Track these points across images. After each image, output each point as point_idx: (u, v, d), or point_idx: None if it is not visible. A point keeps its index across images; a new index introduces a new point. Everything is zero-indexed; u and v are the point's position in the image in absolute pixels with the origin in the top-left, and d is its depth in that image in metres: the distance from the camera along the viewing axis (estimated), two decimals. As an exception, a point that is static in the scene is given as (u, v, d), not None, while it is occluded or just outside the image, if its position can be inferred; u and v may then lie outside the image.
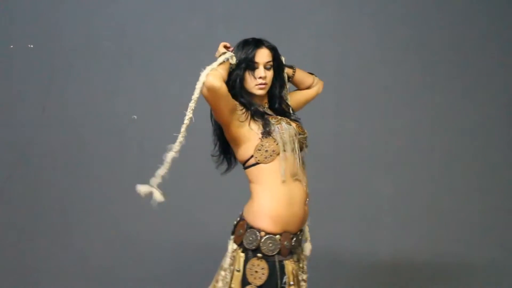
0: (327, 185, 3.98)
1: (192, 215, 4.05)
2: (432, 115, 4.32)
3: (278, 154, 2.37)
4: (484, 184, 4.34)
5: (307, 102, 2.71)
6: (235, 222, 2.47)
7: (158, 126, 4.19)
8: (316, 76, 2.69)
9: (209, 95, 2.29)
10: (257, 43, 2.46)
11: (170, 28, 4.18)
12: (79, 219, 4.20)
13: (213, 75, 2.28)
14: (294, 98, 2.67)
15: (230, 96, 2.34)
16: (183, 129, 2.40)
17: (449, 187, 4.31)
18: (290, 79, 2.63)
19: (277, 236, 2.36)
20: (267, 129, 2.37)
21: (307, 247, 2.59)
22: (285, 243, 2.37)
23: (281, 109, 2.55)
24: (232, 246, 2.44)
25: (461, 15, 4.31)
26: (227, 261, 2.43)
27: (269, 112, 2.49)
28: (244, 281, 2.37)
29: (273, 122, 2.40)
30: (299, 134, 2.46)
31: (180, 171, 4.16)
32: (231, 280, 2.40)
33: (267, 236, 2.36)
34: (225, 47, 2.48)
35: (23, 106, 4.19)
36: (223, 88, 2.29)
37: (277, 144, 2.37)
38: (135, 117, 4.18)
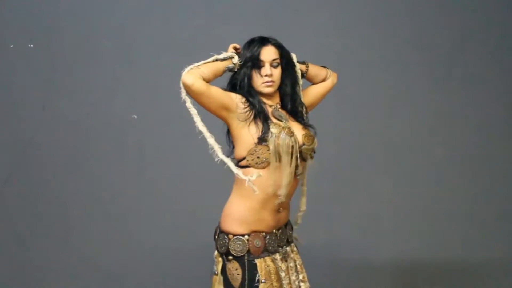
0: (327, 186, 3.98)
1: (193, 216, 4.05)
2: (432, 115, 4.31)
3: (274, 163, 2.37)
4: (485, 184, 4.33)
5: (324, 95, 2.69)
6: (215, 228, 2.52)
7: (158, 126, 4.19)
8: (328, 68, 2.69)
9: (188, 92, 2.32)
10: (263, 41, 2.45)
11: (170, 28, 4.17)
12: (79, 219, 4.19)
13: (188, 73, 2.30)
14: (311, 93, 2.66)
15: (213, 93, 2.33)
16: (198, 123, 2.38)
17: (450, 187, 4.30)
18: (304, 75, 2.61)
19: (245, 237, 2.39)
20: (264, 136, 2.36)
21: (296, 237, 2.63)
22: (255, 242, 2.39)
23: (295, 109, 2.52)
24: (215, 251, 2.50)
25: (462, 14, 4.31)
26: (214, 268, 2.48)
27: (277, 113, 2.46)
28: (227, 285, 2.41)
29: (273, 130, 2.37)
30: (303, 145, 2.44)
31: (181, 171, 4.20)
32: (212, 284, 2.46)
33: (235, 237, 2.40)
34: (235, 48, 2.48)
35: (23, 106, 4.18)
36: (197, 85, 2.29)
37: (270, 153, 2.36)
38: (135, 117, 4.17)
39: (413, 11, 4.29)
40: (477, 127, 4.33)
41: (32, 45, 4.16)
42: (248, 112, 2.38)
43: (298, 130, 2.46)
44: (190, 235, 4.11)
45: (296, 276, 2.50)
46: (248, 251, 2.39)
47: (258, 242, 2.39)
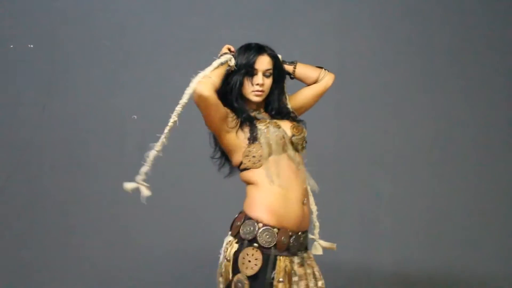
0: (326, 186, 3.97)
1: (193, 216, 4.05)
2: (432, 115, 4.31)
3: (267, 158, 2.38)
4: (486, 185, 4.32)
5: (317, 97, 2.64)
6: (235, 217, 2.48)
7: (158, 126, 4.17)
8: (325, 69, 2.65)
9: (199, 102, 2.30)
10: (259, 49, 2.45)
11: (170, 28, 4.18)
12: (79, 219, 4.19)
13: (204, 83, 2.28)
14: (301, 95, 2.64)
15: (220, 104, 2.34)
16: (166, 130, 2.47)
17: (450, 188, 4.29)
18: (292, 76, 2.61)
19: (275, 229, 2.36)
20: (253, 134, 2.38)
21: (315, 245, 2.65)
22: (282, 238, 2.36)
23: (278, 115, 2.53)
24: (227, 238, 2.45)
25: (462, 14, 4.31)
26: (221, 256, 2.44)
27: (260, 115, 2.49)
28: (234, 270, 2.36)
29: (260, 127, 2.39)
30: (293, 135, 2.45)
31: (181, 173, 4.20)
32: (223, 270, 2.41)
33: (265, 227, 2.36)
34: (229, 50, 2.48)
35: (23, 106, 4.19)
36: (212, 97, 2.28)
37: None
38: (135, 117, 4.17)
39: (413, 12, 4.29)
40: (478, 127, 4.32)
41: (32, 46, 4.16)
42: (235, 120, 2.40)
43: (285, 124, 2.48)
44: (190, 235, 4.11)
45: (314, 282, 2.48)
46: (275, 245, 2.36)
47: (285, 239, 2.37)
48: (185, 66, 4.07)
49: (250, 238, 2.36)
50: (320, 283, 2.48)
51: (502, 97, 4.34)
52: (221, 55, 2.44)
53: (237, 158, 2.43)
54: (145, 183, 2.44)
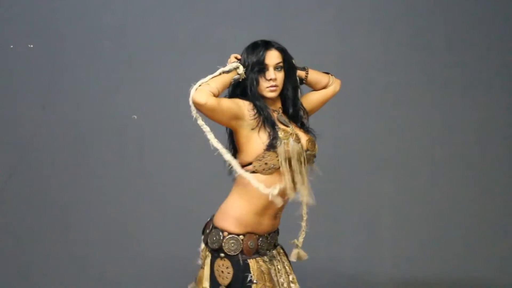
0: (326, 186, 3.97)
1: (193, 216, 4.04)
2: (433, 116, 4.31)
3: (277, 169, 2.37)
4: (488, 186, 4.32)
5: (324, 102, 2.69)
6: (207, 221, 2.51)
7: (158, 126, 4.19)
8: (332, 75, 2.68)
9: (198, 109, 2.28)
10: (266, 44, 2.44)
11: (171, 28, 4.18)
12: (79, 219, 4.19)
13: (199, 91, 2.25)
14: (311, 99, 2.65)
15: (225, 106, 2.31)
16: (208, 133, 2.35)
17: (452, 190, 4.29)
18: (304, 81, 2.61)
19: (240, 237, 2.39)
20: (273, 142, 2.35)
21: (295, 253, 2.62)
22: (249, 243, 2.39)
23: (296, 114, 2.52)
24: (201, 245, 2.50)
25: (462, 14, 4.31)
26: (199, 262, 2.50)
27: (282, 118, 2.46)
28: (214, 283, 2.41)
29: (281, 136, 2.37)
30: (307, 150, 2.44)
31: (181, 172, 4.20)
32: (198, 278, 2.47)
33: (230, 236, 2.40)
34: (236, 58, 2.46)
35: (23, 106, 4.19)
36: (210, 103, 2.25)
37: (278, 160, 2.36)
38: (135, 117, 4.18)
39: (413, 13, 4.29)
40: (478, 127, 4.32)
41: (32, 46, 4.16)
42: (257, 118, 2.37)
43: (302, 136, 2.47)
44: (190, 235, 4.10)
45: (285, 278, 2.50)
46: (242, 251, 2.39)
47: (252, 243, 2.40)
48: (185, 66, 4.12)
49: (216, 247, 2.40)
50: (291, 277, 2.52)
51: (503, 97, 4.34)
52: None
53: (247, 157, 2.40)
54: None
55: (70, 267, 4.16)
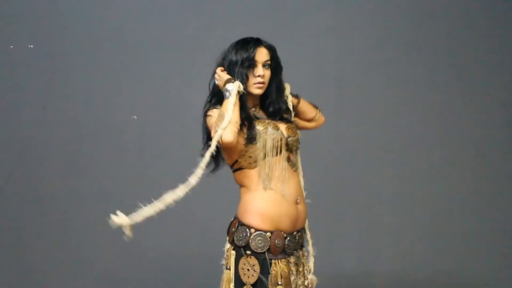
0: (326, 187, 3.98)
1: (193, 217, 4.05)
2: (433, 115, 4.31)
3: (262, 159, 2.38)
4: (488, 186, 4.32)
5: (303, 129, 2.68)
6: (230, 222, 2.49)
7: (158, 126, 4.19)
8: (320, 110, 2.69)
9: (225, 148, 2.34)
10: (256, 42, 2.46)
11: (170, 28, 4.18)
12: (79, 219, 4.20)
13: (228, 131, 2.28)
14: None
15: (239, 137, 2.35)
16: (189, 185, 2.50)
17: (452, 189, 4.29)
18: (294, 108, 2.62)
19: (267, 234, 2.37)
20: (251, 135, 2.38)
21: (311, 279, 2.60)
22: (276, 241, 2.37)
23: (275, 112, 2.52)
24: (226, 245, 2.47)
25: (462, 14, 4.31)
26: (223, 262, 2.45)
27: (259, 114, 2.49)
28: (239, 282, 2.37)
29: (258, 128, 2.39)
30: (289, 137, 2.45)
31: (182, 172, 4.19)
32: (224, 279, 2.41)
33: (257, 232, 2.37)
34: (222, 71, 2.45)
35: (23, 106, 4.19)
36: (236, 140, 2.31)
37: (262, 151, 2.38)
38: (135, 117, 4.18)
39: (413, 13, 4.29)
40: (478, 128, 4.32)
41: (32, 46, 4.16)
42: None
43: (281, 125, 2.48)
44: (190, 235, 4.12)
45: (302, 281, 2.50)
46: (269, 249, 2.37)
47: (279, 242, 2.38)
48: (185, 67, 4.13)
49: (243, 244, 2.38)
50: (306, 282, 2.52)
51: (503, 97, 4.34)
52: (225, 83, 2.39)
53: (232, 156, 2.43)
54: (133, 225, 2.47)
55: (70, 267, 4.16)
